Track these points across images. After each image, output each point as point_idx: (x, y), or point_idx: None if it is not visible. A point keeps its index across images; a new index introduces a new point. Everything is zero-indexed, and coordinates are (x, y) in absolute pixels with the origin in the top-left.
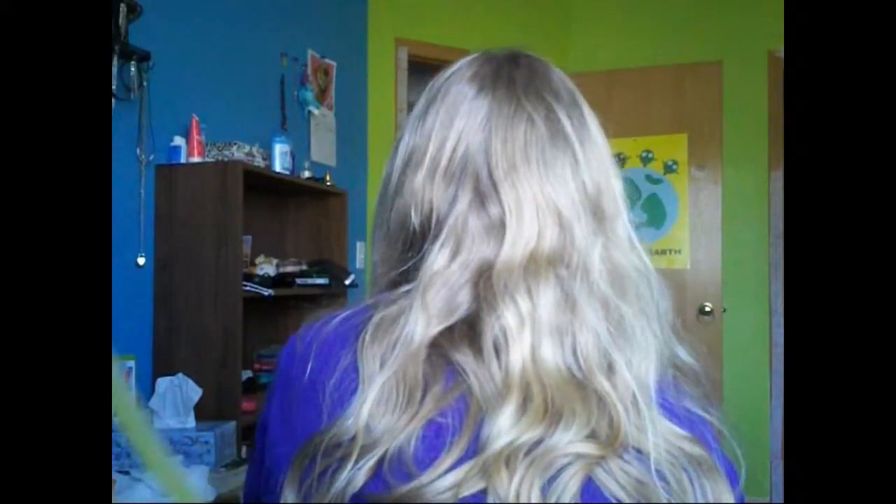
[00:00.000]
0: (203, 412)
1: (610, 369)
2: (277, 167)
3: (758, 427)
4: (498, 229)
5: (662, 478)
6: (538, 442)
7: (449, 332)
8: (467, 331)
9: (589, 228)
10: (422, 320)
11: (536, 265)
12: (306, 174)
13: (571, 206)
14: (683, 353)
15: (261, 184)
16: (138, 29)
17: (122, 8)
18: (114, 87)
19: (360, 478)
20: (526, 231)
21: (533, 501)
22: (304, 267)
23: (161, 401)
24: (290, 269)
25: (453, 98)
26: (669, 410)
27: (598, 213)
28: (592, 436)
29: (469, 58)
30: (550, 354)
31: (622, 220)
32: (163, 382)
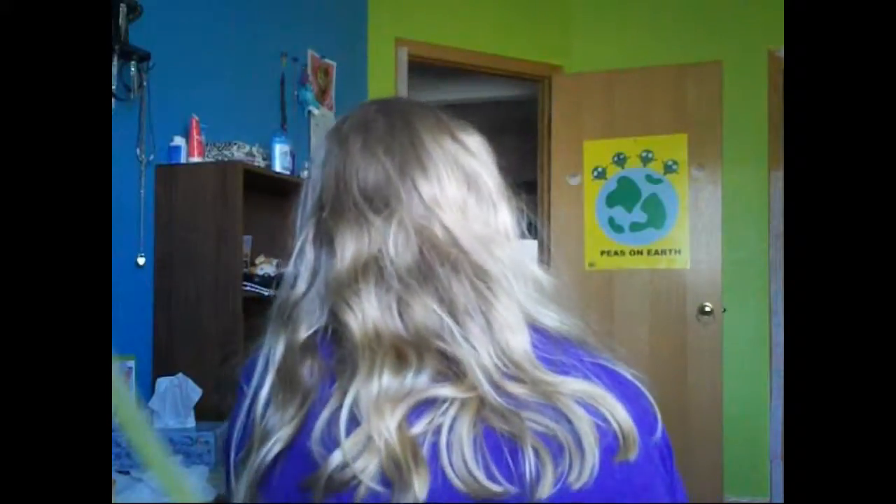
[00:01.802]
0: (203, 412)
1: (451, 335)
2: (277, 167)
3: (758, 427)
4: (332, 249)
5: (545, 410)
6: (397, 389)
7: (317, 338)
8: (330, 335)
9: (402, 229)
10: (282, 338)
11: (357, 269)
12: (306, 174)
13: (385, 214)
14: (549, 320)
15: (261, 184)
16: (138, 29)
17: (122, 8)
18: (114, 87)
19: (265, 458)
20: (348, 245)
21: (397, 444)
22: None
23: (161, 401)
24: None
25: (312, 155)
26: (551, 363)
27: (429, 209)
28: (442, 380)
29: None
30: (383, 324)
31: (470, 206)
32: (163, 382)
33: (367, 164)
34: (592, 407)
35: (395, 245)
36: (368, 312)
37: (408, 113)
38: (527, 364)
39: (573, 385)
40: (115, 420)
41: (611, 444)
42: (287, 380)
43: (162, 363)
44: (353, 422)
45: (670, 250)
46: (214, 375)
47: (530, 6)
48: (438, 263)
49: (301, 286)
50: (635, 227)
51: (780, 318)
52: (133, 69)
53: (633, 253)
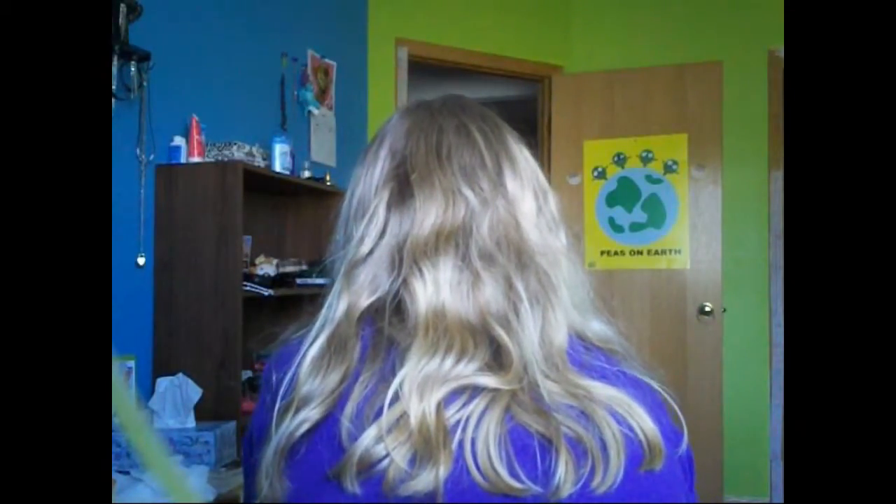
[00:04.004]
0: (203, 412)
1: (507, 322)
2: (277, 167)
3: (758, 427)
4: (412, 214)
5: (574, 413)
6: (442, 372)
7: (380, 307)
8: (392, 303)
9: (493, 209)
10: (345, 297)
11: (439, 238)
12: (306, 174)
13: (477, 191)
14: (598, 326)
15: (261, 184)
16: (138, 29)
17: (122, 8)
18: (114, 87)
19: (298, 428)
20: (432, 211)
21: (431, 422)
22: (304, 267)
23: (161, 401)
24: (290, 269)
25: (384, 129)
26: (586, 368)
27: (510, 202)
28: (488, 369)
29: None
30: (450, 303)
31: (544, 215)
32: (163, 382)
33: (461, 143)
34: (621, 416)
35: (487, 225)
36: (441, 282)
37: (492, 115)
38: (563, 365)
39: (603, 391)
40: (115, 420)
41: (636, 453)
42: (339, 345)
43: (162, 363)
44: (394, 399)
45: (670, 250)
46: (214, 375)
47: (530, 6)
48: (515, 255)
49: (366, 246)
50: (635, 227)
51: (780, 318)
52: (133, 69)
53: (633, 253)
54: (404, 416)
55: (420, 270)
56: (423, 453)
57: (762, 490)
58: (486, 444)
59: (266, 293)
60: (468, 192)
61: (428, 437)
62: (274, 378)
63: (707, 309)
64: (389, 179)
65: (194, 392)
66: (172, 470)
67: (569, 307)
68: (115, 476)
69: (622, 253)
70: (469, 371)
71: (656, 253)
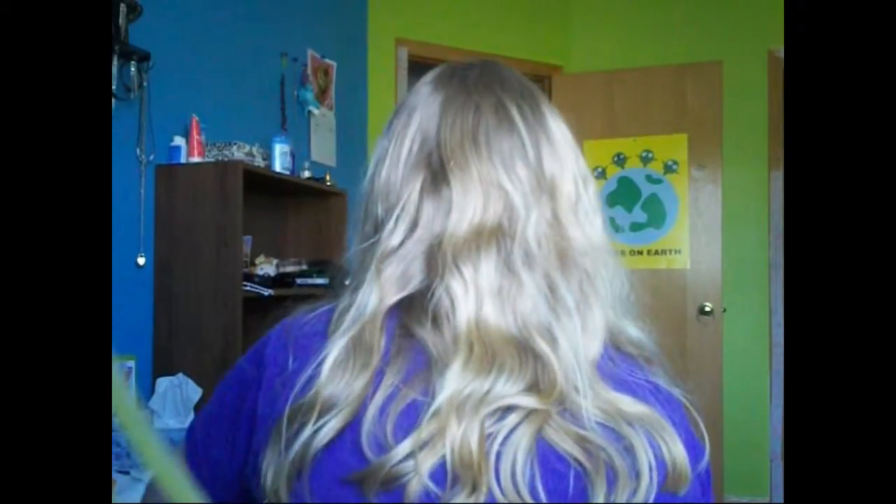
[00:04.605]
0: None
1: (550, 334)
2: (277, 167)
3: (758, 427)
4: (447, 206)
5: (608, 435)
6: (485, 393)
7: (407, 303)
8: (423, 301)
9: (535, 207)
10: (375, 291)
11: (479, 237)
12: (306, 174)
13: (516, 184)
14: (634, 331)
15: (261, 184)
16: (138, 29)
17: (122, 8)
18: (114, 87)
19: (323, 437)
20: (471, 206)
21: (474, 447)
22: (304, 267)
23: (161, 401)
24: (290, 269)
25: (413, 100)
26: (615, 379)
27: (550, 194)
28: (530, 390)
29: (432, 71)
30: (492, 316)
31: (583, 203)
32: (163, 382)
33: (501, 126)
34: (651, 436)
35: (528, 223)
36: (483, 288)
37: (530, 88)
38: (594, 376)
39: (633, 407)
40: (115, 420)
41: (663, 475)
42: (365, 345)
43: (162, 363)
44: (430, 413)
45: (670, 250)
46: (214, 375)
47: (530, 6)
48: (557, 256)
49: (397, 237)
50: (635, 227)
51: (780, 318)
52: (133, 69)
53: (633, 253)
54: (441, 433)
55: (460, 272)
56: (461, 475)
57: (762, 490)
58: (510, 464)
59: (266, 293)
60: (508, 186)
61: (469, 463)
62: (290, 363)
63: (707, 309)
64: (421, 164)
65: (194, 392)
66: (172, 470)
67: (608, 310)
68: (115, 476)
69: (622, 253)
70: (514, 391)
71: (656, 253)
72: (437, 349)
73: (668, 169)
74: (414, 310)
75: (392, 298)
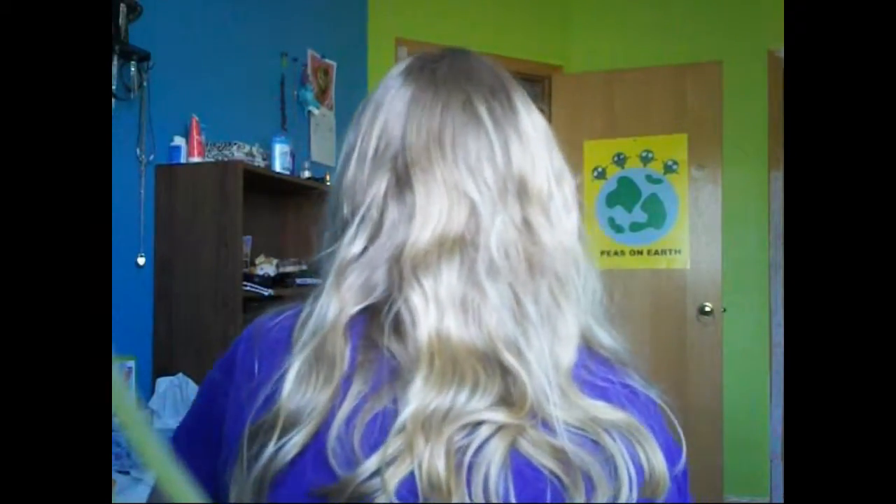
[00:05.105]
0: None
1: (517, 346)
2: (277, 167)
3: (758, 427)
4: (410, 212)
5: (585, 444)
6: (449, 408)
7: (372, 311)
8: (387, 312)
9: (502, 212)
10: (335, 301)
11: (441, 247)
12: (306, 174)
13: (482, 188)
14: (605, 338)
15: (261, 184)
16: (138, 29)
17: (122, 8)
18: (114, 87)
19: (286, 453)
20: (434, 213)
21: (442, 470)
22: (304, 267)
23: (161, 401)
24: (290, 269)
25: (381, 95)
26: (590, 386)
27: (519, 195)
28: (500, 404)
29: (403, 60)
30: (455, 329)
31: (555, 202)
32: (163, 382)
33: (467, 125)
34: (629, 443)
35: (492, 232)
36: (444, 300)
37: (501, 79)
38: (568, 385)
39: (610, 414)
40: (115, 420)
41: (641, 481)
42: (328, 356)
43: (162, 363)
44: (395, 429)
45: (670, 250)
46: None
47: (530, 6)
48: (525, 263)
49: (358, 245)
50: (635, 227)
51: (780, 318)
52: (133, 69)
53: (633, 253)
54: (408, 449)
55: (420, 284)
56: (430, 497)
57: (762, 490)
58: (483, 478)
59: (266, 293)
60: (473, 192)
61: (437, 485)
62: (256, 367)
63: (707, 309)
64: (386, 166)
65: (194, 392)
66: (172, 470)
67: (580, 313)
68: (115, 476)
69: (622, 253)
70: (482, 406)
71: (656, 253)
72: (402, 360)
73: (668, 169)
74: (378, 319)
75: (353, 308)
